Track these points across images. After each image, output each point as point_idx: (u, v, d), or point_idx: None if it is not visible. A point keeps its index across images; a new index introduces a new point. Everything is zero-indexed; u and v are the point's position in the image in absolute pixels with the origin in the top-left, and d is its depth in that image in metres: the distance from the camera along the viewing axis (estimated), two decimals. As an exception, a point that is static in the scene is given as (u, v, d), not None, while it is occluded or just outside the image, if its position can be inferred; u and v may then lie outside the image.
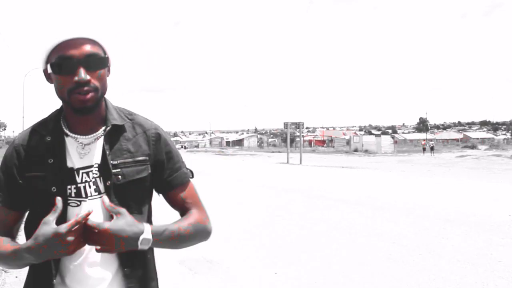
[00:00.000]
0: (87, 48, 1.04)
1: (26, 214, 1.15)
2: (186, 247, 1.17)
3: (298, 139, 37.64)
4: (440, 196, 9.48)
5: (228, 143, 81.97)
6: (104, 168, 1.09)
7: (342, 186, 11.80)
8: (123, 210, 1.01)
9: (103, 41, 1.08)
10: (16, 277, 3.93)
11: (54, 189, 1.05)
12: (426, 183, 12.49)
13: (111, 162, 1.09)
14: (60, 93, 1.06)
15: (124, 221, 0.98)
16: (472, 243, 5.24)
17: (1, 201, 1.11)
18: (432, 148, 38.51)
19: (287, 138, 28.00)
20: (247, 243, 5.27)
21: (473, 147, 47.07)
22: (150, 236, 1.00)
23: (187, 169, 1.24)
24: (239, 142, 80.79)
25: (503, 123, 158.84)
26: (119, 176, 1.09)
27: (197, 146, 78.17)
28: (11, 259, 1.02)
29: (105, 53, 1.08)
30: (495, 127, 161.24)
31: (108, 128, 1.12)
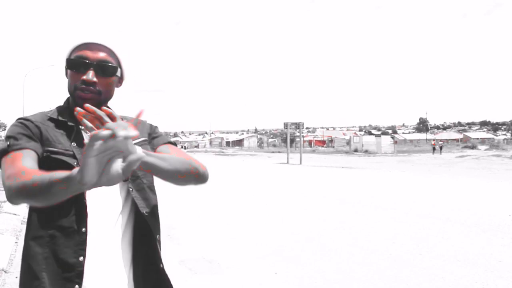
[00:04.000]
0: (102, 55, 1.15)
1: None
2: (179, 180, 1.17)
3: (298, 139, 37.65)
4: (440, 196, 9.48)
5: (228, 143, 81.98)
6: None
7: (342, 186, 11.81)
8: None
9: (120, 54, 1.19)
10: (16, 277, 3.93)
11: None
12: (426, 183, 12.49)
13: None
14: (68, 87, 1.18)
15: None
16: (472, 243, 5.24)
17: (26, 146, 1.07)
18: (441, 148, 39.39)
19: (287, 138, 28.00)
20: (247, 243, 5.27)
21: (473, 147, 47.03)
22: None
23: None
24: (239, 142, 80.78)
25: (503, 123, 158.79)
26: None
27: (197, 146, 78.16)
28: (59, 184, 0.85)
29: (119, 64, 1.19)
30: (495, 127, 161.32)
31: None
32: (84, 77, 1.11)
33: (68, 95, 1.23)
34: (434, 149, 39.67)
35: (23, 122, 1.15)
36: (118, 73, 1.19)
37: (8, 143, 1.09)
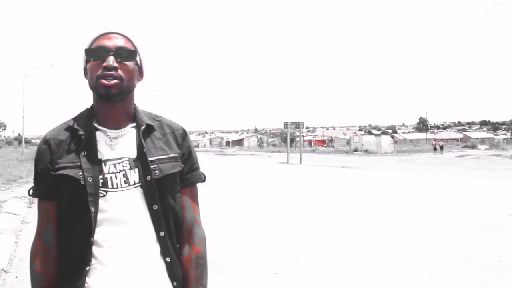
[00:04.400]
0: (120, 42, 1.16)
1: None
2: None
3: (298, 139, 37.63)
4: (440, 196, 9.48)
5: (228, 143, 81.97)
6: (143, 163, 1.16)
7: (342, 186, 11.81)
8: None
9: (136, 43, 1.20)
10: (16, 277, 3.93)
11: (90, 179, 1.12)
12: (426, 183, 12.49)
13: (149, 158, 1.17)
14: (90, 81, 1.16)
15: None
16: (472, 243, 5.24)
17: (39, 194, 1.19)
18: (441, 147, 39.66)
19: (287, 138, 28.00)
20: (247, 243, 5.26)
21: (473, 147, 47.02)
22: None
23: (202, 172, 1.33)
24: (239, 142, 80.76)
25: (503, 123, 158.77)
26: (156, 171, 1.16)
27: (197, 146, 78.11)
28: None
29: (136, 49, 1.19)
30: (495, 127, 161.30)
31: (143, 126, 1.21)
32: (105, 63, 1.12)
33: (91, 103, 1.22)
34: (435, 148, 39.86)
35: (40, 149, 1.20)
36: (138, 62, 1.20)
37: (34, 181, 1.22)
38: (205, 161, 26.44)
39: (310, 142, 70.85)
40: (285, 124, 26.32)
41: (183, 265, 1.21)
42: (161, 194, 1.16)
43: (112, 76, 1.12)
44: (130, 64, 1.16)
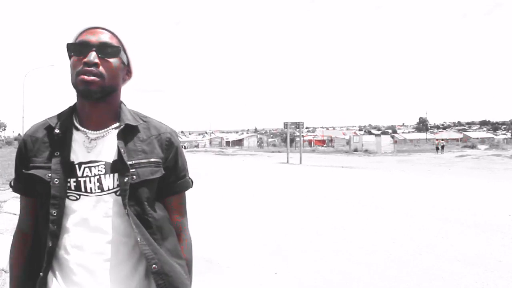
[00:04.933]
0: (104, 37, 1.10)
1: None
2: None
3: (298, 139, 37.64)
4: (440, 196, 9.48)
5: (228, 143, 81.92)
6: (120, 167, 1.10)
7: (342, 186, 11.80)
8: None
9: (123, 37, 1.14)
10: (16, 277, 3.92)
11: (56, 181, 1.08)
12: (426, 183, 12.48)
13: (127, 162, 1.11)
14: (72, 78, 1.10)
15: None
16: (472, 243, 5.24)
17: (19, 189, 1.19)
18: (442, 147, 40.07)
19: (287, 138, 28.00)
20: (247, 243, 5.26)
21: (473, 147, 47.02)
22: None
23: (189, 178, 1.28)
24: (239, 142, 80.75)
25: (503, 123, 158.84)
26: (134, 176, 1.10)
27: (197, 146, 78.09)
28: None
29: (123, 47, 1.14)
30: (495, 127, 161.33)
31: (122, 127, 1.14)
32: (85, 59, 1.06)
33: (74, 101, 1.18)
34: (437, 148, 40.04)
35: (18, 146, 1.20)
36: (123, 58, 1.14)
37: (14, 175, 1.21)
38: (205, 161, 26.43)
39: (310, 142, 70.84)
40: (285, 124, 26.30)
41: None
42: (138, 200, 1.10)
43: (91, 72, 1.06)
44: (113, 61, 1.10)
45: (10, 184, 1.21)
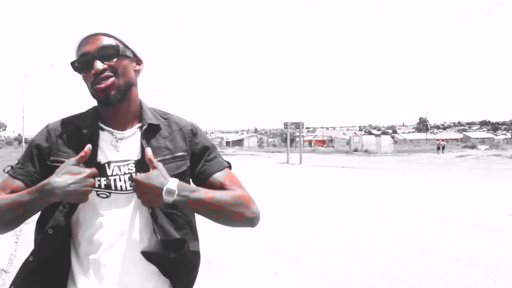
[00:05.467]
0: (101, 42, 1.11)
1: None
2: (224, 222, 1.20)
3: (298, 139, 37.64)
4: (440, 196, 9.48)
5: (228, 143, 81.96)
6: (145, 165, 1.11)
7: (342, 186, 11.80)
8: (159, 165, 1.07)
9: (119, 34, 1.14)
10: (16, 277, 3.92)
11: None
12: (426, 183, 12.49)
13: None
14: (89, 91, 1.13)
15: (156, 172, 1.05)
16: (472, 243, 5.24)
17: (19, 174, 1.14)
18: (443, 147, 40.29)
19: (287, 138, 28.00)
20: (247, 243, 5.26)
21: (473, 147, 47.04)
22: (174, 188, 1.03)
23: (224, 160, 1.28)
24: (239, 142, 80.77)
25: (503, 123, 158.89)
26: None
27: (197, 146, 77.88)
28: (17, 204, 1.03)
29: (122, 43, 1.14)
30: (495, 127, 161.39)
31: (145, 126, 1.17)
32: (93, 70, 1.09)
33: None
34: (439, 148, 40.14)
35: (40, 134, 1.18)
36: (127, 52, 1.14)
37: (21, 161, 1.17)
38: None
39: (310, 142, 70.90)
40: (285, 124, 26.31)
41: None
42: None
43: (104, 78, 1.09)
44: (118, 59, 1.12)
45: (7, 170, 1.16)
